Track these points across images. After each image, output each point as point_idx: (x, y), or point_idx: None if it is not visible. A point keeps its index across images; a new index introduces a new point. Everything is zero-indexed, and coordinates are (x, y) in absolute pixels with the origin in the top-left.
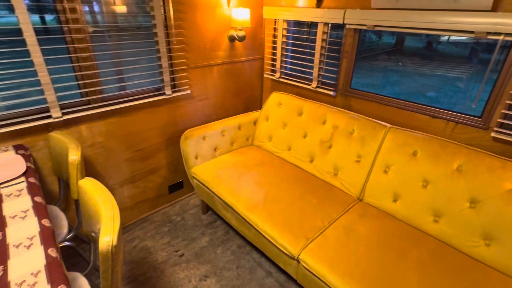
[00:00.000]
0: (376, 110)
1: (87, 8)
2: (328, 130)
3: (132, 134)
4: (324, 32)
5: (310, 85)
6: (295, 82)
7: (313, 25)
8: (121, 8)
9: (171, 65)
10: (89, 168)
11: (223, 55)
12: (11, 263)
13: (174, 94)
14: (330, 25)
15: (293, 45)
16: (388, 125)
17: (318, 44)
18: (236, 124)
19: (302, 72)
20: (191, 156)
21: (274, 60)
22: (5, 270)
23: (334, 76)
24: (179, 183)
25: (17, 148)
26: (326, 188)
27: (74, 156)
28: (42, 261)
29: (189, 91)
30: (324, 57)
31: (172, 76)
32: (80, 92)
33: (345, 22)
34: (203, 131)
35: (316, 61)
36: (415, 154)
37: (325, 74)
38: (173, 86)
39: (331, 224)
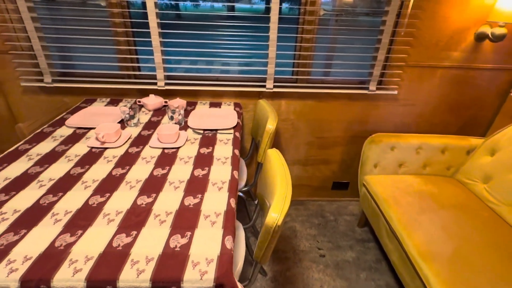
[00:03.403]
0: None
1: None
2: None
3: (320, 120)
4: None
5: None
6: None
7: None
8: None
9: (386, 59)
10: (275, 139)
11: (458, 56)
12: (206, 196)
13: (378, 92)
14: None
15: None
16: None
17: None
18: (441, 145)
19: None
20: (370, 162)
21: None
22: (201, 199)
23: None
24: (344, 184)
25: (235, 105)
26: None
27: (270, 125)
28: (224, 206)
29: (395, 92)
30: None
31: (382, 71)
32: (292, 70)
33: None
34: (394, 140)
35: None
36: None
37: None
38: (379, 83)
39: None
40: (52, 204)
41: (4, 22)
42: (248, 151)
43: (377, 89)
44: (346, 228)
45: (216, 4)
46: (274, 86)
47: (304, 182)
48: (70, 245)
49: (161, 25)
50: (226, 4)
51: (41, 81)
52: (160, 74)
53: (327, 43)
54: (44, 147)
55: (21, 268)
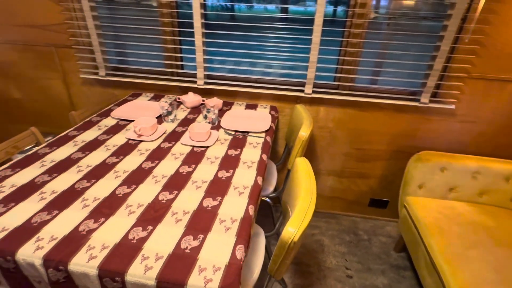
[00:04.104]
0: None
1: None
2: None
3: (361, 130)
4: None
5: None
6: None
7: None
8: None
9: (444, 69)
10: (310, 146)
11: None
12: (225, 199)
13: (431, 105)
14: None
15: None
16: None
17: None
18: (505, 171)
19: None
20: (414, 182)
21: None
22: (220, 203)
23: None
24: (383, 202)
25: (271, 108)
26: None
27: (304, 132)
28: (241, 213)
29: (452, 106)
30: None
31: (438, 82)
32: (334, 76)
33: None
34: (446, 160)
35: None
36: None
37: None
38: (433, 95)
39: None
40: (84, 190)
41: (70, 20)
42: (280, 156)
43: (430, 101)
44: (380, 250)
45: (270, 6)
46: (313, 92)
47: (338, 194)
48: (91, 231)
49: (208, 26)
50: (279, 6)
51: (96, 74)
52: (200, 73)
53: (376, 48)
54: (89, 135)
55: (46, 247)
